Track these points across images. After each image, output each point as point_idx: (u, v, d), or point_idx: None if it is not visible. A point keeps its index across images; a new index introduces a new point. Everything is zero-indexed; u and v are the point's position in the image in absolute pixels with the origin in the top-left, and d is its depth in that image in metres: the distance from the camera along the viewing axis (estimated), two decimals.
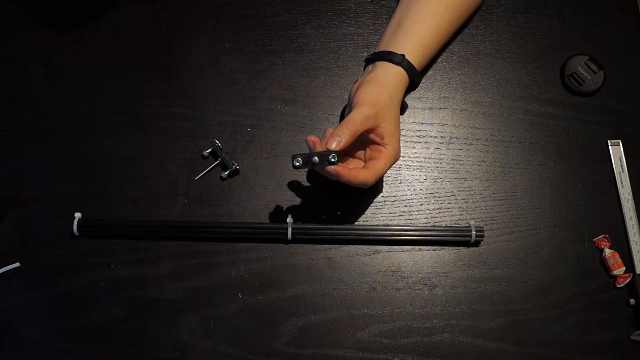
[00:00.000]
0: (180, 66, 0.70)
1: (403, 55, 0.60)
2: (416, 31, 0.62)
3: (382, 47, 0.63)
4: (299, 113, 0.69)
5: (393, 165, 0.66)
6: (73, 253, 0.64)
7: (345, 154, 0.61)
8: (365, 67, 0.63)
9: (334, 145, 0.54)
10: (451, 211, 0.66)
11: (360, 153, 0.61)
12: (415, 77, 0.61)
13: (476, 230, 0.63)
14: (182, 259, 0.64)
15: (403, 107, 0.68)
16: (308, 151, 0.56)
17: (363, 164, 0.60)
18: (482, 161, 0.67)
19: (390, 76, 0.60)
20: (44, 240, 0.65)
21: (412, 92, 0.69)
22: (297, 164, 0.54)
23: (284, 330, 0.62)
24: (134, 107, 0.69)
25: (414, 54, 0.61)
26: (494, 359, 0.61)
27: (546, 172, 0.67)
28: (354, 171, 0.56)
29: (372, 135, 0.58)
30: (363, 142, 0.60)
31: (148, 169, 0.67)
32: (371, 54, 0.62)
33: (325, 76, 0.70)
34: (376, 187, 0.66)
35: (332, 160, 0.54)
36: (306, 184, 0.66)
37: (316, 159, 0.54)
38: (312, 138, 0.55)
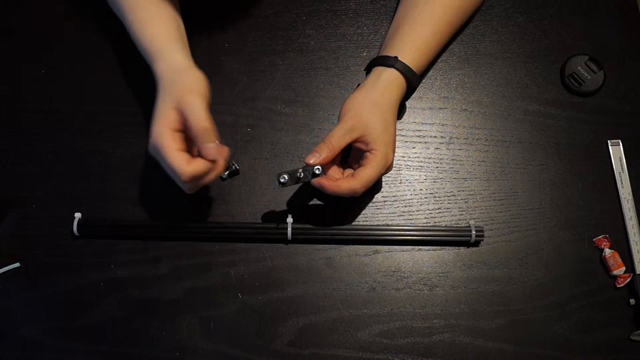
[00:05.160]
0: None
1: (396, 57, 0.60)
2: (413, 34, 0.63)
3: (380, 53, 0.64)
4: (299, 113, 0.69)
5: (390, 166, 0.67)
6: (73, 253, 0.64)
7: (342, 164, 0.63)
8: (366, 75, 0.64)
9: (312, 161, 0.56)
10: (451, 211, 0.66)
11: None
12: (412, 78, 0.61)
13: (476, 230, 0.63)
14: (182, 259, 0.64)
15: (401, 110, 0.68)
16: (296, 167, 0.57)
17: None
18: (482, 161, 0.67)
19: (382, 80, 0.60)
20: (44, 240, 0.65)
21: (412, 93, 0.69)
22: (283, 180, 0.56)
23: (284, 330, 0.62)
24: (134, 107, 0.69)
25: (410, 56, 0.61)
26: (494, 359, 0.61)
27: (546, 172, 0.67)
28: (339, 181, 0.57)
29: (358, 144, 0.58)
30: (358, 154, 0.60)
31: (148, 169, 0.67)
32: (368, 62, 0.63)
33: (325, 76, 0.70)
34: (375, 186, 0.66)
35: (317, 172, 0.56)
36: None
37: (301, 173, 0.56)
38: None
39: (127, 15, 0.62)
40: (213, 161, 0.54)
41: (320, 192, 0.58)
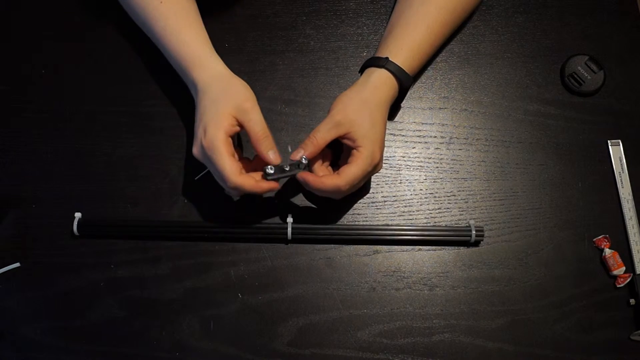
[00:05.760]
0: None
1: (386, 58, 0.60)
2: (406, 35, 0.63)
3: (375, 55, 0.64)
4: (299, 113, 0.69)
5: (390, 166, 0.67)
6: (73, 253, 0.64)
7: (333, 166, 0.62)
8: None
9: (297, 157, 0.57)
10: (451, 211, 0.66)
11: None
12: (403, 79, 0.61)
13: (476, 230, 0.63)
14: (182, 259, 0.64)
15: (395, 110, 0.68)
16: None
17: None
18: (482, 161, 0.67)
19: (372, 80, 0.60)
20: (44, 240, 0.65)
21: (412, 93, 0.69)
22: (270, 171, 0.57)
23: (284, 330, 0.62)
24: (134, 107, 0.69)
25: (402, 56, 0.61)
26: (494, 359, 0.61)
27: (546, 172, 0.67)
28: (323, 177, 0.57)
29: (345, 141, 0.58)
30: (348, 154, 0.60)
31: (148, 169, 0.67)
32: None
33: (325, 76, 0.70)
34: (364, 188, 0.66)
35: (304, 162, 0.57)
36: None
37: (287, 165, 0.57)
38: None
39: (156, 22, 0.62)
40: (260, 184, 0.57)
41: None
